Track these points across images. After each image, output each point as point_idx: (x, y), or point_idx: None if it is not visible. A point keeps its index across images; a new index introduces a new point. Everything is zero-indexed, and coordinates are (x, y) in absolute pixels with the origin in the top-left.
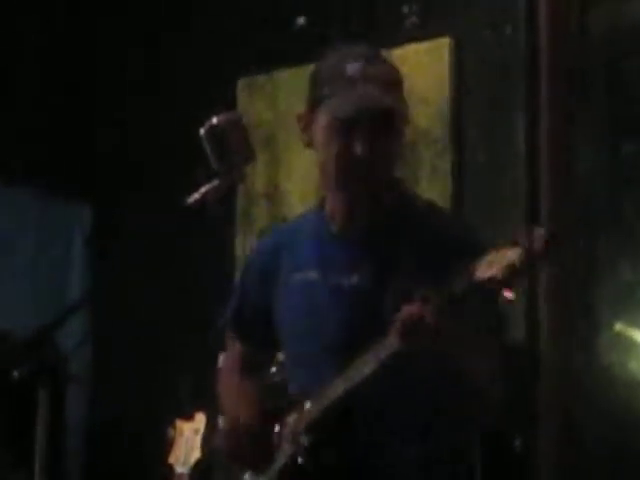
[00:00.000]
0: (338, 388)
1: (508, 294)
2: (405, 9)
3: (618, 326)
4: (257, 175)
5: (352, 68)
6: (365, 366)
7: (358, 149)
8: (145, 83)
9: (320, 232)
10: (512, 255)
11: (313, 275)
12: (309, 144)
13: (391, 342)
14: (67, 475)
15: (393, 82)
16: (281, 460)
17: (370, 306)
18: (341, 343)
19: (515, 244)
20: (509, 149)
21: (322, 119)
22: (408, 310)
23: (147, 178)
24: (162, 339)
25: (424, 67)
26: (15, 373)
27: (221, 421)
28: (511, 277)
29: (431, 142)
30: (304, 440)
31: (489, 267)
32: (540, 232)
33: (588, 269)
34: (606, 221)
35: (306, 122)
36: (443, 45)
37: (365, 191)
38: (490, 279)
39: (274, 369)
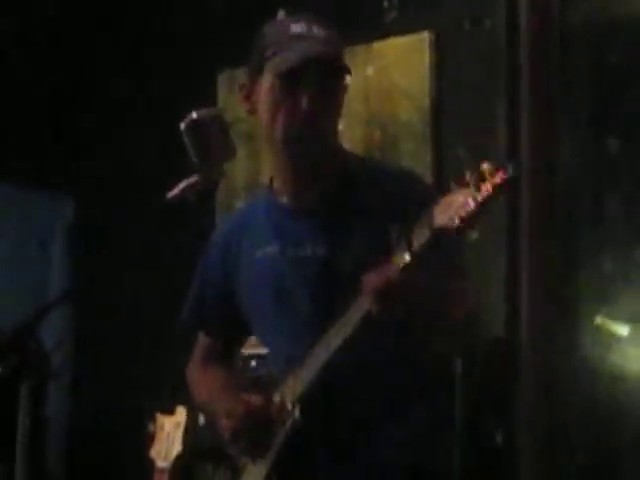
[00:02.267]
0: (319, 357)
1: (472, 234)
2: (385, 3)
3: (599, 319)
4: (237, 169)
5: (296, 27)
6: (340, 333)
7: (304, 102)
8: (127, 76)
9: (272, 207)
10: (466, 196)
11: (272, 249)
12: (252, 111)
13: (363, 307)
14: (48, 470)
15: (336, 41)
16: (278, 439)
17: (330, 275)
18: (307, 314)
19: (465, 185)
20: (490, 143)
21: (266, 81)
22: (376, 274)
23: (129, 173)
24: (143, 334)
25: (405, 61)
26: None
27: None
28: (467, 219)
29: (412, 135)
30: (297, 415)
31: (445, 213)
32: (493, 171)
33: (569, 262)
34: (587, 215)
35: (249, 89)
36: (423, 39)
37: (313, 150)
38: (447, 225)
39: (254, 363)
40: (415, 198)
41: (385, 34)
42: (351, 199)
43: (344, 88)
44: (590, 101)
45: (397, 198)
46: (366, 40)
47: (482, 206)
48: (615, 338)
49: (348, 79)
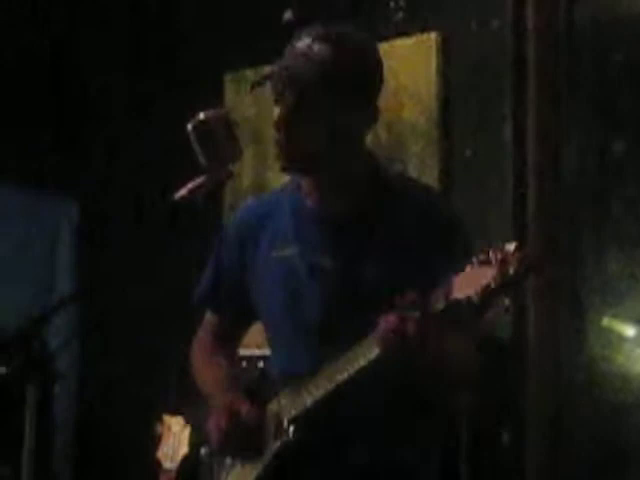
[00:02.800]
0: (320, 387)
1: (488, 314)
2: (392, 4)
3: (606, 320)
4: (244, 170)
5: (294, 46)
6: (346, 369)
7: (274, 120)
8: (133, 77)
9: (298, 208)
10: (487, 276)
11: (291, 251)
12: None
13: (372, 349)
14: (55, 471)
15: (316, 58)
16: (267, 454)
17: (346, 291)
18: (316, 326)
19: (488, 263)
20: (496, 144)
21: None
22: (391, 320)
23: (135, 174)
24: (149, 334)
25: (411, 62)
26: (2, 369)
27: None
28: (487, 298)
29: (419, 136)
30: (291, 434)
31: (466, 286)
32: (517, 253)
33: (576, 263)
34: (593, 215)
35: None
36: (430, 40)
37: (290, 157)
38: (467, 300)
39: (244, 364)
40: (441, 224)
41: (392, 35)
42: (382, 213)
43: (312, 105)
44: (597, 100)
45: (423, 221)
46: None
47: (502, 287)
48: (622, 339)
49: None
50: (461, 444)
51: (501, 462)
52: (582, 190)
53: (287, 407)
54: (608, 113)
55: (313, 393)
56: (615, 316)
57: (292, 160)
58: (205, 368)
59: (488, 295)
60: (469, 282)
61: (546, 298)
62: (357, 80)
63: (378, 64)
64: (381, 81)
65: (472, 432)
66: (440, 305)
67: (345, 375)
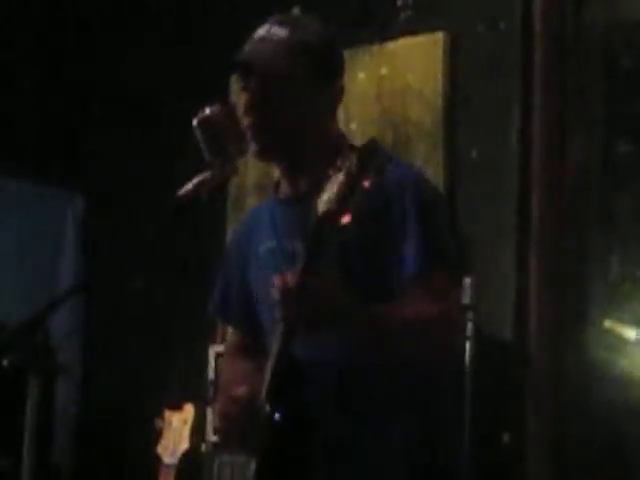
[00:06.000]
0: (269, 363)
1: (345, 219)
2: (399, 3)
3: (608, 323)
4: (249, 166)
5: (259, 30)
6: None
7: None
8: (138, 70)
9: (273, 202)
10: (337, 180)
11: (270, 243)
12: None
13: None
14: (55, 464)
15: (273, 39)
16: (257, 434)
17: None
18: None
19: (340, 169)
20: (502, 144)
21: None
22: (279, 278)
23: (140, 169)
24: (152, 329)
25: (418, 61)
26: (5, 361)
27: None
28: (342, 200)
29: (424, 136)
30: (267, 409)
31: (327, 200)
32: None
33: (578, 266)
34: (597, 217)
35: None
36: (437, 40)
37: (257, 142)
38: (328, 209)
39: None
40: (414, 200)
41: (399, 34)
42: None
43: (272, 84)
44: (604, 103)
45: (396, 197)
46: (380, 40)
47: (352, 184)
48: (624, 341)
49: (277, 72)
50: (462, 444)
51: (501, 463)
52: (587, 191)
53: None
54: (614, 115)
55: (268, 366)
56: (617, 319)
57: (263, 143)
58: (224, 377)
59: (341, 197)
60: (328, 197)
61: (548, 299)
62: (316, 59)
63: (335, 46)
64: (341, 63)
65: (472, 433)
66: (313, 227)
67: (276, 348)
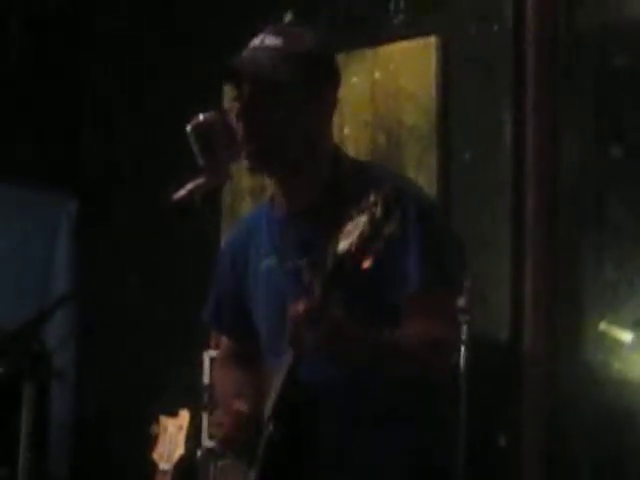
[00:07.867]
0: (275, 383)
1: (366, 265)
2: (392, 6)
3: (603, 325)
4: (243, 171)
5: (254, 41)
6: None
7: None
8: (131, 76)
9: (270, 219)
10: (361, 224)
11: (271, 261)
12: None
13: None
14: (50, 470)
15: (267, 48)
16: (259, 450)
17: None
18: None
19: (363, 211)
20: (495, 146)
21: None
22: (294, 304)
23: (133, 172)
24: (147, 334)
25: (411, 65)
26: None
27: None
28: (364, 244)
29: (417, 138)
30: (270, 428)
31: (347, 238)
32: (381, 194)
33: (573, 268)
34: (592, 219)
35: None
36: (430, 43)
37: (251, 156)
38: (349, 250)
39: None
40: (409, 214)
41: (392, 38)
42: (346, 203)
43: (265, 89)
44: (596, 104)
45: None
46: (373, 44)
47: (376, 230)
48: (619, 344)
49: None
50: (458, 446)
51: (497, 465)
52: (581, 193)
53: (268, 405)
54: (608, 116)
55: (277, 383)
56: (612, 322)
57: (255, 154)
58: (218, 385)
59: (364, 241)
60: (348, 235)
61: (544, 301)
62: (310, 68)
63: (330, 56)
64: (336, 73)
65: (468, 435)
66: (330, 264)
67: (285, 370)
